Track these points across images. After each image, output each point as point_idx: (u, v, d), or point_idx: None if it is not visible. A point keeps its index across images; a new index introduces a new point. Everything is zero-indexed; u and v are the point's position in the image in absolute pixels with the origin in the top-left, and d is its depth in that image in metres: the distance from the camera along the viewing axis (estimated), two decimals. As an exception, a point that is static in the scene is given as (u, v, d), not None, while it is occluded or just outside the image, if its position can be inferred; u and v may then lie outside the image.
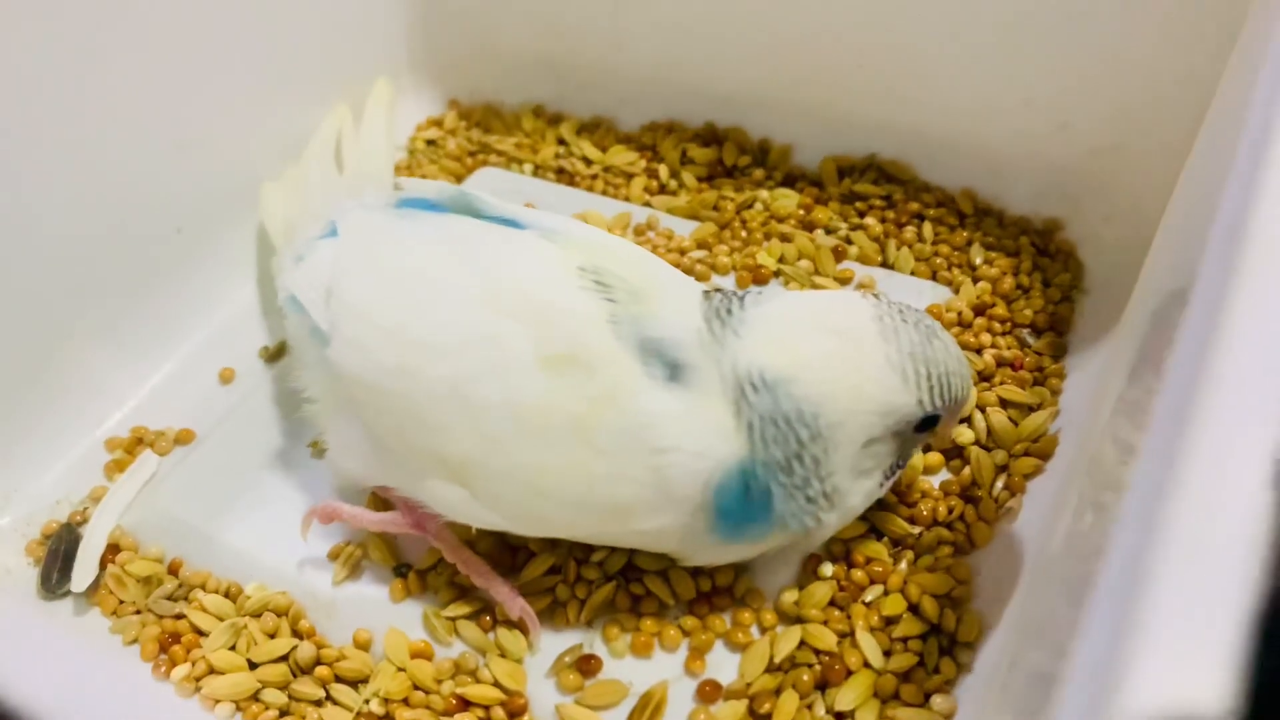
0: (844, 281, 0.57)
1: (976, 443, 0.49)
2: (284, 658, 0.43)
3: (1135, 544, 0.19)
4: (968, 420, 0.50)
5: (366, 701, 0.42)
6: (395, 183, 0.51)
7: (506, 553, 0.46)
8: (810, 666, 0.42)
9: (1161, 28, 0.52)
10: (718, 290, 0.42)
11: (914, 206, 0.60)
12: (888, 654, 0.42)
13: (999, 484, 0.47)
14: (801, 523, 0.40)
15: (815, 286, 0.56)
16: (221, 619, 0.44)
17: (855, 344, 0.39)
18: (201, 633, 0.44)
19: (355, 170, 0.59)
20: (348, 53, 0.66)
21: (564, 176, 0.67)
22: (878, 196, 0.61)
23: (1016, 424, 0.49)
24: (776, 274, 0.57)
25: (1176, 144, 0.47)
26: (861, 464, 0.40)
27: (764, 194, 0.63)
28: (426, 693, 0.42)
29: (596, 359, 0.39)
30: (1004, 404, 0.50)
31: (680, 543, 0.41)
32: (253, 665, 0.43)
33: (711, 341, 0.39)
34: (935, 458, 0.49)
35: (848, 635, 0.43)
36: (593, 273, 0.41)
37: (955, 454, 0.49)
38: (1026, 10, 0.55)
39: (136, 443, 0.53)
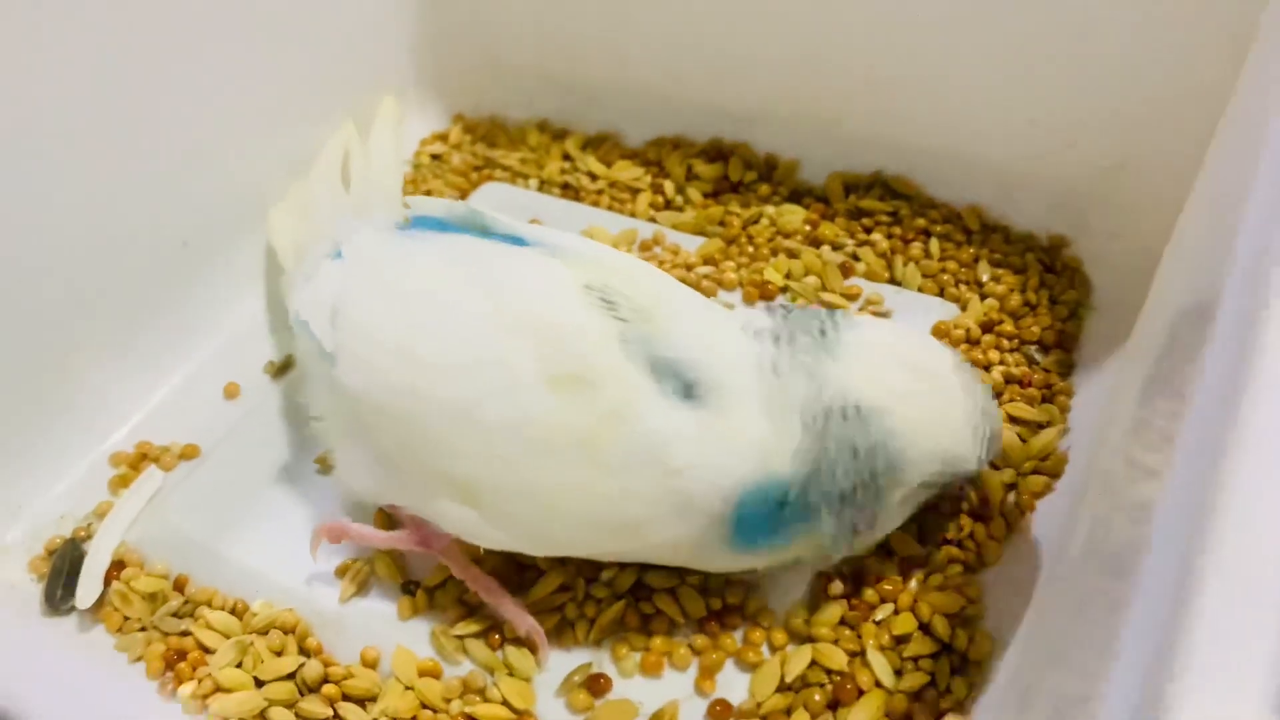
0: (851, 298, 0.57)
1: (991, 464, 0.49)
2: (291, 675, 0.43)
3: (1173, 571, 0.19)
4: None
5: (374, 720, 0.42)
6: (403, 200, 0.50)
7: (515, 571, 0.46)
8: (821, 686, 0.42)
9: (1166, 46, 0.52)
10: (783, 306, 0.42)
11: (920, 223, 0.60)
12: (899, 673, 0.42)
13: (1009, 502, 0.47)
14: (838, 547, 0.41)
15: (822, 303, 0.56)
16: (228, 636, 0.44)
17: (944, 391, 0.40)
18: (208, 650, 0.44)
19: (363, 189, 0.59)
20: (353, 67, 0.66)
21: (569, 192, 0.67)
22: (884, 213, 0.61)
23: (1025, 441, 0.49)
24: (784, 290, 0.57)
25: (1183, 161, 0.47)
26: (909, 501, 0.41)
27: (770, 210, 0.62)
28: (434, 711, 0.42)
29: (603, 377, 0.38)
30: (1013, 421, 0.50)
31: (693, 554, 0.41)
32: (259, 683, 0.43)
33: (786, 353, 0.39)
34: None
35: (859, 654, 0.43)
36: (599, 290, 0.41)
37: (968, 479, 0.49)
38: (1032, 28, 0.55)
39: (141, 458, 0.52)
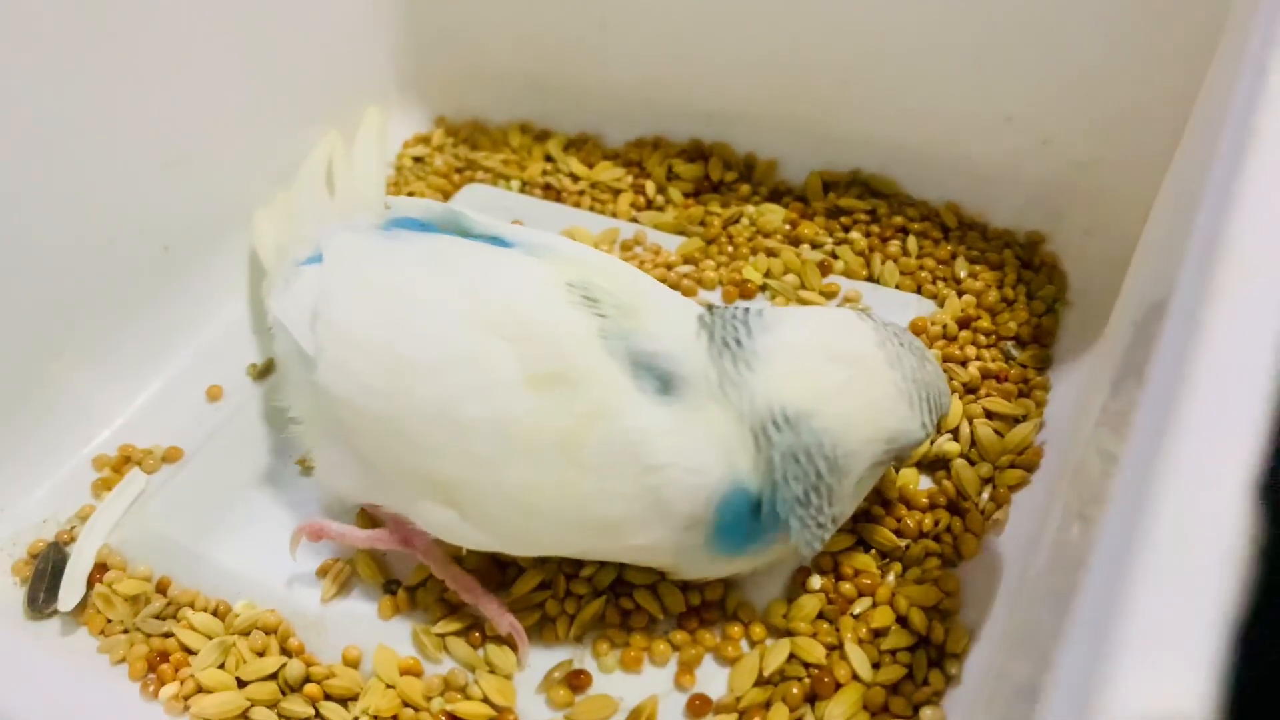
0: (830, 295, 0.57)
1: (962, 455, 0.49)
2: (273, 676, 0.43)
3: (1116, 552, 0.19)
4: (954, 432, 0.50)
5: (356, 719, 0.42)
6: (385, 202, 0.51)
7: (496, 568, 0.46)
8: (800, 679, 0.42)
9: (1139, 45, 0.52)
10: (710, 307, 0.42)
11: (898, 220, 0.61)
12: (876, 666, 0.42)
13: (985, 496, 0.48)
14: (812, 548, 0.40)
15: (802, 301, 0.57)
16: (210, 637, 0.44)
17: (867, 374, 0.40)
18: (190, 651, 0.44)
19: (346, 195, 0.59)
20: (335, 73, 0.66)
21: (551, 193, 0.67)
22: (863, 211, 0.62)
23: (1002, 436, 0.49)
24: (763, 288, 0.58)
25: (1156, 158, 0.48)
26: (863, 486, 0.41)
27: (750, 209, 0.63)
28: (416, 710, 0.42)
29: (584, 375, 0.39)
30: (989, 416, 0.50)
31: (674, 558, 0.41)
32: (241, 684, 0.43)
33: (718, 367, 0.39)
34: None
35: (836, 648, 0.43)
36: (581, 288, 0.41)
37: (942, 466, 0.49)
38: (1007, 27, 0.55)
39: (124, 461, 0.52)
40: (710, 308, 0.43)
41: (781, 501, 0.39)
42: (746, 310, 0.42)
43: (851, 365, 0.39)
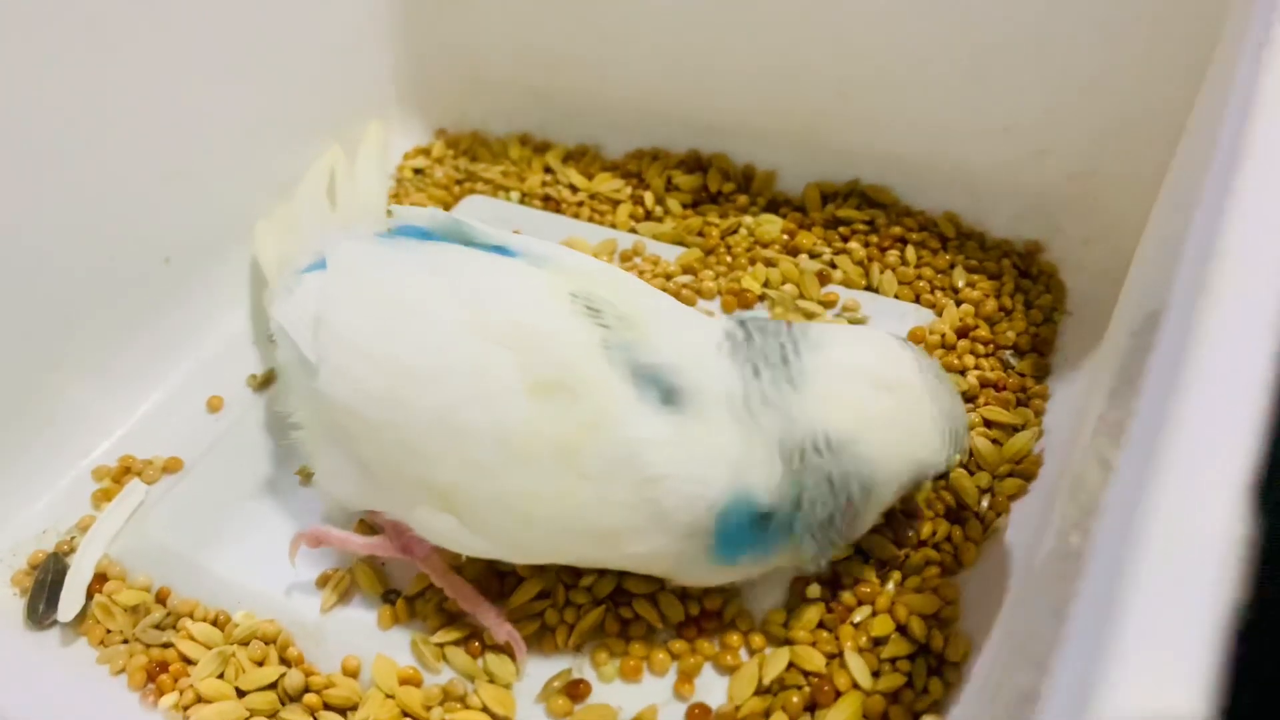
0: (828, 305, 0.57)
1: (961, 464, 0.49)
2: (272, 685, 0.43)
3: (1113, 559, 0.19)
4: (953, 442, 0.50)
5: (355, 729, 0.42)
6: (388, 209, 0.51)
7: (495, 578, 0.46)
8: (799, 688, 0.42)
9: (1136, 57, 0.53)
10: (744, 321, 0.42)
11: (897, 230, 0.61)
12: (876, 674, 0.42)
13: (984, 504, 0.48)
14: (819, 565, 0.41)
15: (800, 310, 0.57)
16: (209, 647, 0.44)
17: (909, 404, 0.40)
18: (189, 661, 0.44)
19: (348, 207, 0.59)
20: (336, 86, 0.67)
21: (550, 204, 0.67)
22: (861, 221, 0.62)
23: (1000, 445, 0.49)
24: (762, 298, 0.58)
25: (1153, 167, 0.48)
26: (882, 510, 0.42)
27: (748, 220, 0.63)
28: (415, 719, 0.42)
29: (584, 385, 0.39)
30: (988, 425, 0.51)
31: (673, 565, 0.41)
32: (241, 693, 0.43)
33: (747, 381, 0.39)
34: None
35: (836, 656, 0.43)
36: (584, 299, 0.41)
37: (941, 475, 0.49)
38: (1004, 39, 0.56)
39: (124, 472, 0.53)
40: (743, 322, 0.42)
41: (801, 521, 0.39)
42: (790, 326, 0.42)
43: (896, 393, 0.40)
